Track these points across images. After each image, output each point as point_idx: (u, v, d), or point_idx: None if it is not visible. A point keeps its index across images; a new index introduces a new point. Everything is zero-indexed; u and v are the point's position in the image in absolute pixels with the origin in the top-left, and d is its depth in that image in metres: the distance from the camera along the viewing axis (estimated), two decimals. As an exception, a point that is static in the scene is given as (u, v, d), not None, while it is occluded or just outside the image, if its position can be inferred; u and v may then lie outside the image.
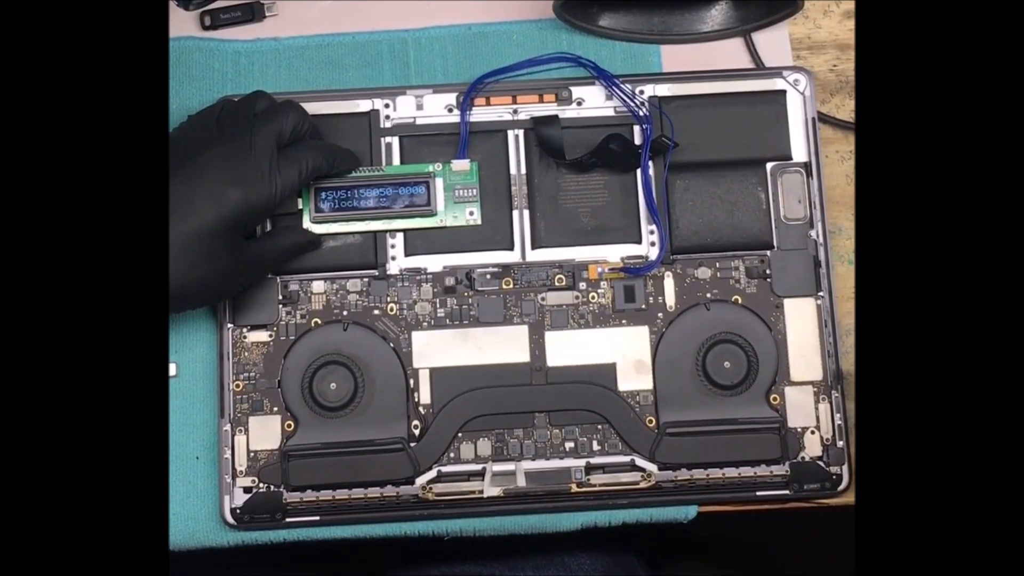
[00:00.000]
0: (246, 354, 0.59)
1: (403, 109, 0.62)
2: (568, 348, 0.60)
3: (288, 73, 0.63)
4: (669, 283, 0.60)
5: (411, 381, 0.59)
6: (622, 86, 0.61)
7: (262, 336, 0.60)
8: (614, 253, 0.61)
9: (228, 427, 0.59)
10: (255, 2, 0.64)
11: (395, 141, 0.61)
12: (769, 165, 0.61)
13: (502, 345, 0.60)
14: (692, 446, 0.59)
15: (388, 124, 0.62)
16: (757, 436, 0.59)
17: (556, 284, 0.60)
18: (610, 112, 0.62)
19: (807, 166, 0.61)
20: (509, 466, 0.59)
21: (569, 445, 0.59)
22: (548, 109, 0.62)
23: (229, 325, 0.59)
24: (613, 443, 0.59)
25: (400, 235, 0.61)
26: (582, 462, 0.59)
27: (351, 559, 0.68)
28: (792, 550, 0.94)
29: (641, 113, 0.61)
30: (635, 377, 0.59)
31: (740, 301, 0.60)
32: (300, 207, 0.60)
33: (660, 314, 0.60)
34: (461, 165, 0.61)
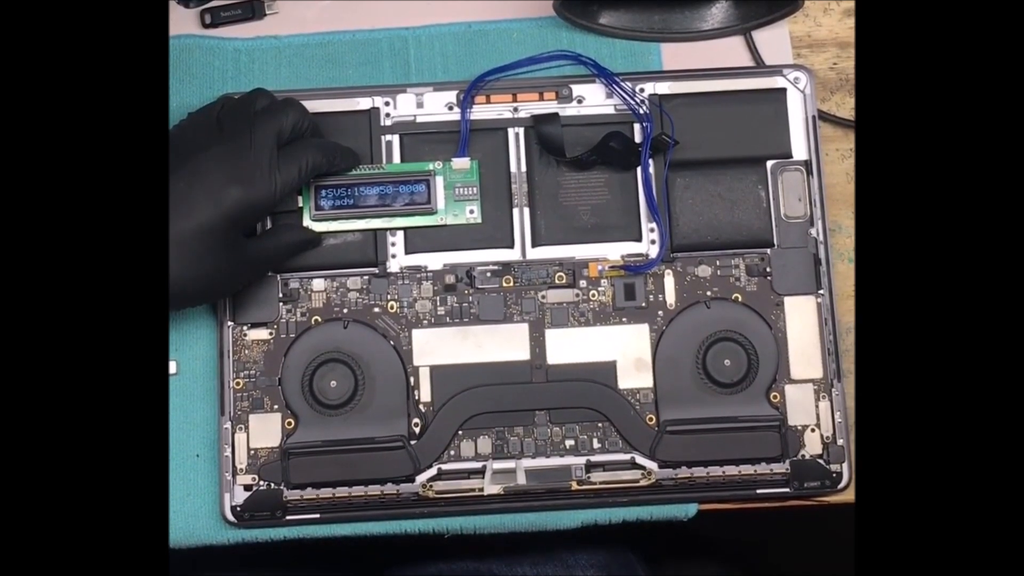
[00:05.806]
0: (246, 352, 0.59)
1: (403, 107, 0.62)
2: (568, 346, 0.60)
3: (288, 71, 0.63)
4: (669, 281, 0.60)
5: (411, 379, 0.59)
6: (622, 84, 0.61)
7: (262, 334, 0.60)
8: (614, 251, 0.61)
9: (228, 425, 0.59)
10: (255, 0, 0.64)
11: (395, 139, 0.61)
12: (769, 163, 0.61)
13: (502, 343, 0.60)
14: (692, 444, 0.58)
15: (388, 122, 0.61)
16: (757, 434, 0.59)
17: (556, 282, 0.60)
18: (610, 110, 0.62)
19: (807, 164, 0.61)
20: (509, 464, 0.59)
21: (569, 443, 0.59)
22: (548, 107, 0.62)
23: (229, 323, 0.59)
24: (613, 441, 0.59)
25: (400, 233, 0.61)
26: (582, 460, 0.59)
27: (351, 557, 0.68)
28: (792, 549, 0.94)
29: (641, 111, 0.61)
30: (635, 375, 0.59)
31: (740, 299, 0.60)
32: (300, 205, 0.60)
33: (660, 312, 0.60)
34: (461, 163, 0.61)
